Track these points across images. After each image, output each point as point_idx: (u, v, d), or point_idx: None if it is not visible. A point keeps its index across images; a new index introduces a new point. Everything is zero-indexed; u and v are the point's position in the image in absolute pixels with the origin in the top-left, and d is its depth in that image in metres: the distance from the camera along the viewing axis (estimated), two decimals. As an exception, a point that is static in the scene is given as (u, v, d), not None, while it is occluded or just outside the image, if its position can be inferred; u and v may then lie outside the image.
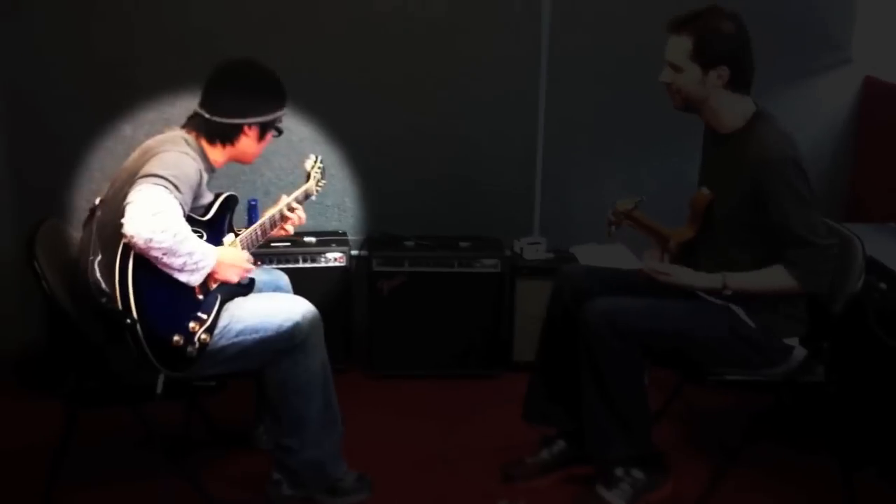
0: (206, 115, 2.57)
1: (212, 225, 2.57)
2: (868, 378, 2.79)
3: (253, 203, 3.44)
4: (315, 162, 2.98)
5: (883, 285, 2.84)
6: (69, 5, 3.43)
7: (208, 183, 2.59)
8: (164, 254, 2.26)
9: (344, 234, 3.64)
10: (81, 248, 2.50)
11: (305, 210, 2.86)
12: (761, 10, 3.50)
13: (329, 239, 3.55)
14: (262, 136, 2.64)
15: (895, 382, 2.67)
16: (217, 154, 2.61)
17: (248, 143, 2.62)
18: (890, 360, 2.68)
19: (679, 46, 2.55)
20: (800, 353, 2.67)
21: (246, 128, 2.59)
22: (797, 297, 2.60)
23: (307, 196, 2.92)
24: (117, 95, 3.50)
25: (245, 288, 2.62)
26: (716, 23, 2.53)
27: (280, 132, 2.72)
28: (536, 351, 2.91)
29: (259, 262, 3.31)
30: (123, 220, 2.22)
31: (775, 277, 2.54)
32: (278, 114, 2.66)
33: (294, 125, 3.58)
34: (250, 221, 3.16)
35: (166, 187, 2.30)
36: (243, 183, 3.63)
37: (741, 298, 2.60)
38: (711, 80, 2.55)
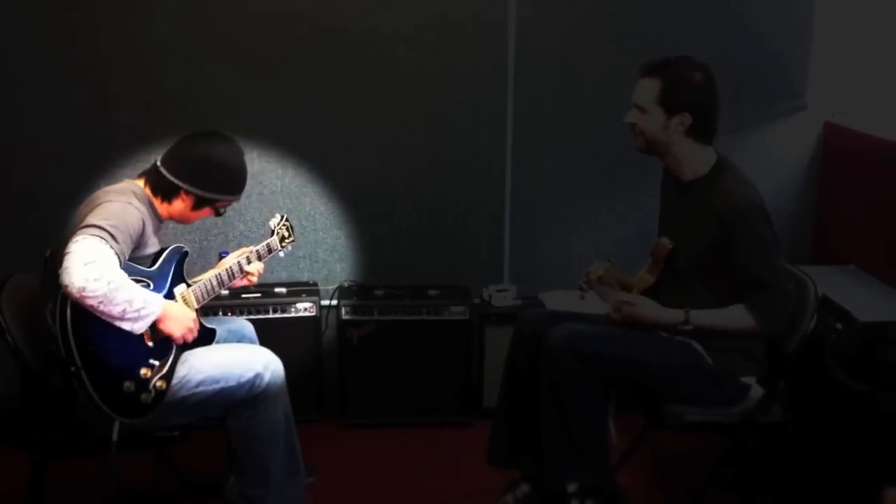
0: (157, 164, 2.63)
1: (158, 276, 2.57)
2: (825, 417, 2.82)
3: (223, 255, 3.46)
4: (280, 220, 2.96)
5: (839, 325, 2.88)
6: (50, 70, 3.52)
7: (157, 232, 2.63)
8: (99, 302, 2.26)
9: (315, 284, 3.67)
10: (38, 298, 2.54)
11: (279, 262, 2.86)
12: (722, 58, 3.59)
13: (300, 289, 3.57)
14: (196, 208, 2.67)
15: (851, 421, 2.70)
16: (160, 207, 2.65)
17: (181, 207, 2.65)
18: (846, 400, 2.71)
19: (647, 89, 2.63)
20: (757, 392, 2.70)
21: (183, 192, 2.62)
22: (754, 337, 2.64)
23: (270, 251, 2.92)
24: (94, 152, 3.57)
25: (206, 338, 2.64)
26: (687, 71, 2.61)
27: (219, 214, 2.75)
28: (499, 394, 2.93)
29: (229, 313, 3.37)
30: (60, 271, 2.25)
31: (736, 316, 2.58)
32: (219, 196, 2.68)
33: (267, 179, 3.66)
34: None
35: (102, 237, 2.32)
36: (215, 235, 3.69)
37: (700, 335, 2.63)
38: (673, 125, 2.62)
